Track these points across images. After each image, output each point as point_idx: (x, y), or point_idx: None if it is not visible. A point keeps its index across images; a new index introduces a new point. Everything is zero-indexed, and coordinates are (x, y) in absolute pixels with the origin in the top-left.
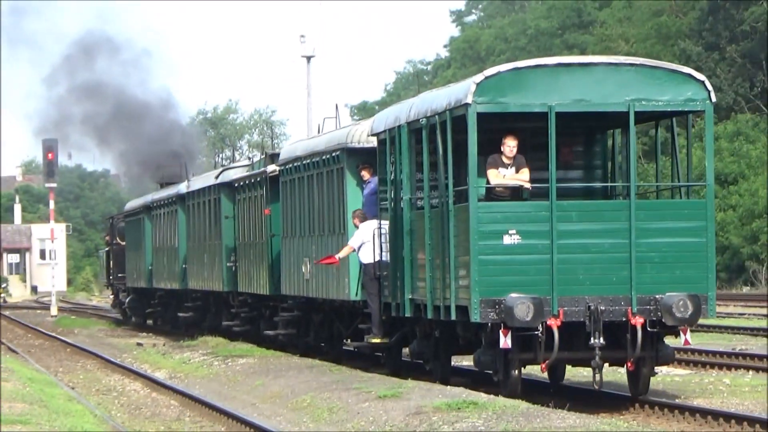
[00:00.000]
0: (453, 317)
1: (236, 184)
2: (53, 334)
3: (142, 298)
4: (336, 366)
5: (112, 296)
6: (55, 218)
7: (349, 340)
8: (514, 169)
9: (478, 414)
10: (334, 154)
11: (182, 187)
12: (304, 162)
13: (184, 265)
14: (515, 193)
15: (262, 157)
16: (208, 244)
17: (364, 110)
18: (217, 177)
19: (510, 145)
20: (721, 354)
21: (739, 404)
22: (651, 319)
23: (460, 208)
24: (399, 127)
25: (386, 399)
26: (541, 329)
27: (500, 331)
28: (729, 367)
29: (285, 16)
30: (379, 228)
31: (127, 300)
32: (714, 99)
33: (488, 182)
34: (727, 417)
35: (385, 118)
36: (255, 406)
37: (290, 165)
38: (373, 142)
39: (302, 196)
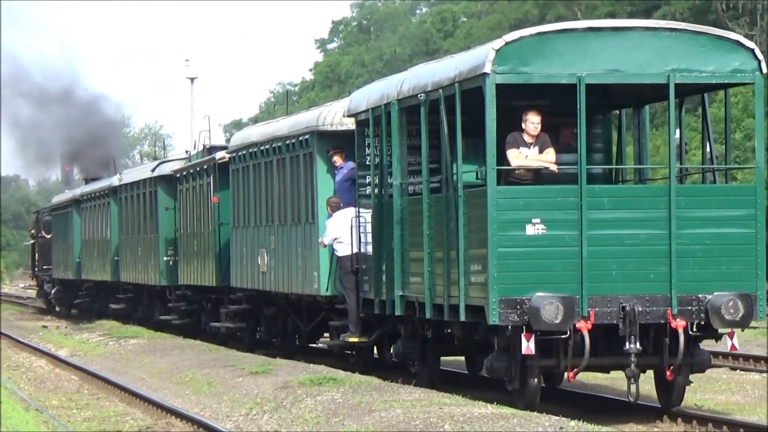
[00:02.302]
0: (462, 318)
1: (177, 175)
2: None
3: (68, 289)
4: (214, 346)
5: (36, 287)
6: None
7: (303, 337)
8: (537, 148)
9: (336, 388)
10: (301, 138)
11: (114, 180)
12: (261, 148)
13: (115, 258)
14: (537, 176)
15: (200, 150)
16: (143, 236)
17: (239, 126)
18: (153, 170)
19: (533, 122)
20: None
21: None
22: (693, 321)
23: (473, 194)
24: (387, 104)
25: (258, 375)
26: (569, 333)
27: (522, 335)
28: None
29: (172, 42)
30: (357, 217)
31: (53, 291)
32: (765, 70)
33: (508, 164)
34: None
35: (366, 96)
36: (144, 381)
37: (244, 152)
38: (347, 125)
39: (258, 184)
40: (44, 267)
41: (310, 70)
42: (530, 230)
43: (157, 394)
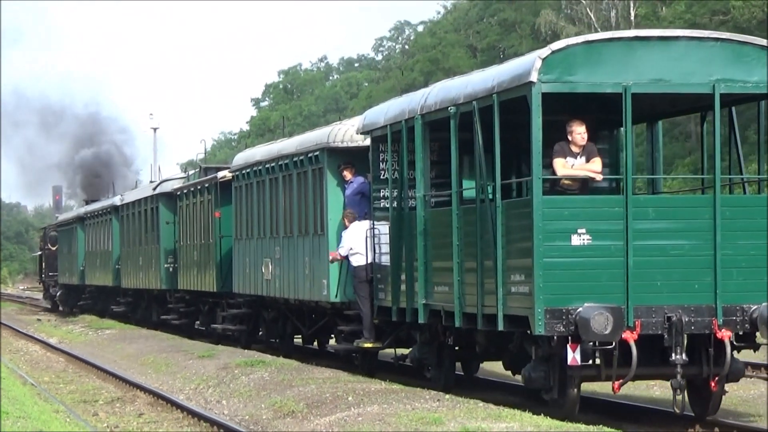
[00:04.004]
0: (500, 328)
1: (178, 193)
2: None
3: (72, 292)
4: (170, 335)
5: (42, 290)
6: None
7: (300, 339)
8: (584, 158)
9: (265, 369)
10: (311, 155)
11: (116, 200)
12: (267, 166)
13: (117, 266)
14: (584, 186)
15: (196, 170)
16: (144, 247)
17: (191, 164)
18: (155, 189)
19: (579, 132)
20: None
21: None
22: (737, 331)
23: (514, 204)
24: (408, 119)
25: (204, 358)
26: (614, 343)
27: (568, 346)
28: None
29: (138, 100)
30: (372, 229)
31: (58, 293)
32: None
33: (553, 173)
34: None
35: (383, 113)
36: (116, 362)
37: (247, 170)
38: (357, 141)
39: (262, 199)
40: (50, 274)
41: (247, 122)
42: (576, 240)
43: (126, 372)
